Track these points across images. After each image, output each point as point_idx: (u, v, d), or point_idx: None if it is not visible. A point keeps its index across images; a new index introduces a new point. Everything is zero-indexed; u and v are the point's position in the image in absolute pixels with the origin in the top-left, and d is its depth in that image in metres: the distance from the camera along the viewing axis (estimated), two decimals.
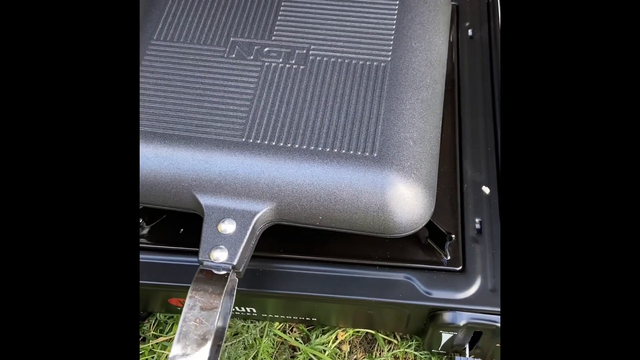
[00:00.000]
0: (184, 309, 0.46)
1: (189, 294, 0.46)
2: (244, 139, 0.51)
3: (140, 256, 0.57)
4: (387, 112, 0.52)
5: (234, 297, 0.49)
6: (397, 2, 0.59)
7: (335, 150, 0.50)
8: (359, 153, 0.50)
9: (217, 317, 0.45)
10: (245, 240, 0.49)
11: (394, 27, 0.57)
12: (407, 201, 0.49)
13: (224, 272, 0.48)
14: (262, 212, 0.50)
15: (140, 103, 0.54)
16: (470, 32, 0.68)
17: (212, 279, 0.48)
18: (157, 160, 0.51)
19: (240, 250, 0.49)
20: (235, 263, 0.48)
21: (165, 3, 0.61)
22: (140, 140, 0.52)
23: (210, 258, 0.48)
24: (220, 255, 0.48)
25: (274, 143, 0.51)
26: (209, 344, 0.44)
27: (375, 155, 0.50)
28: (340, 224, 0.50)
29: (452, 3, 0.70)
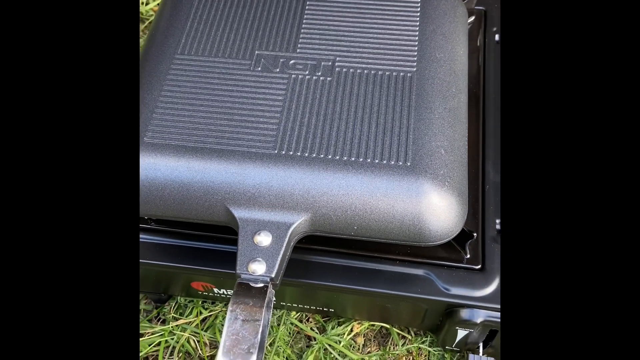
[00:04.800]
0: (226, 323, 0.45)
1: (230, 308, 0.46)
2: (276, 151, 0.51)
3: (164, 239, 0.60)
4: (417, 121, 0.52)
5: (272, 309, 0.49)
6: (418, 13, 0.60)
7: (369, 160, 0.51)
8: (393, 162, 0.50)
9: (260, 330, 0.45)
10: (282, 252, 0.49)
11: (417, 38, 0.58)
12: (443, 209, 0.49)
13: (262, 285, 0.48)
14: (297, 223, 0.50)
15: (169, 117, 0.54)
16: (497, 37, 0.69)
17: (252, 292, 0.47)
18: (189, 173, 0.51)
19: (278, 262, 0.49)
20: (273, 275, 0.48)
21: (187, 17, 0.61)
22: (172, 155, 0.52)
23: (248, 271, 0.48)
24: (258, 268, 0.48)
25: (306, 154, 0.51)
26: (254, 358, 0.44)
27: (409, 164, 0.50)
28: (375, 233, 0.50)
29: (480, 8, 0.71)
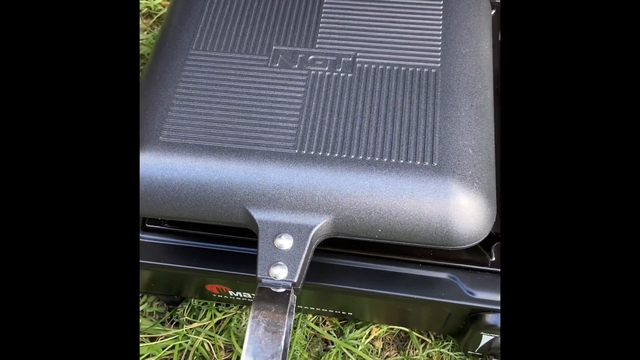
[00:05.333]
0: (248, 330, 0.44)
1: (251, 314, 0.44)
2: (296, 150, 0.50)
3: (177, 241, 0.58)
4: (442, 119, 0.50)
5: (294, 315, 0.47)
6: (442, 6, 0.58)
7: (393, 160, 0.49)
8: (418, 163, 0.48)
9: (283, 338, 0.43)
10: (304, 256, 0.47)
11: (441, 32, 0.56)
12: (471, 211, 0.47)
13: (283, 290, 0.47)
14: (319, 225, 0.48)
15: (185, 115, 0.52)
16: None
17: (274, 297, 0.46)
18: (207, 174, 0.49)
19: (300, 266, 0.47)
20: (295, 280, 0.46)
21: (202, 12, 0.59)
22: (188, 154, 0.50)
23: (269, 275, 0.46)
24: (279, 273, 0.46)
25: (328, 154, 0.49)
26: None
27: (435, 164, 0.48)
28: (400, 236, 0.49)
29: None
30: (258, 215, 0.49)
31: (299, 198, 0.48)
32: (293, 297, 0.47)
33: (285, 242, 0.48)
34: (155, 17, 0.92)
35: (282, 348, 0.43)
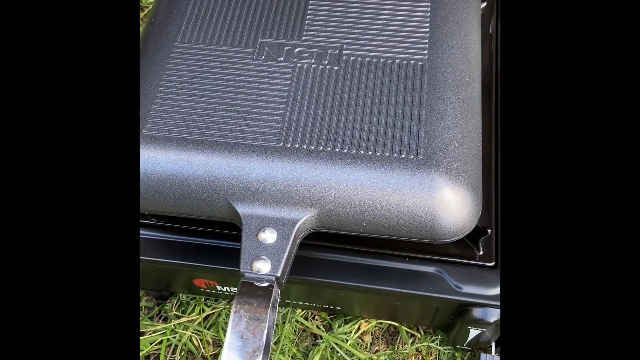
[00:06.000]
0: (230, 324, 0.43)
1: (233, 309, 0.44)
2: (281, 144, 0.49)
3: (165, 235, 0.57)
4: (428, 112, 0.50)
5: (277, 309, 0.47)
6: None
7: (378, 153, 0.48)
8: (403, 156, 0.48)
9: (265, 332, 0.43)
10: (287, 250, 0.47)
11: (428, 24, 0.55)
12: (456, 205, 0.47)
13: (267, 284, 0.46)
14: (304, 219, 0.48)
15: (169, 108, 0.51)
16: None
17: (257, 291, 0.45)
18: (190, 168, 0.49)
19: (284, 260, 0.46)
20: (279, 274, 0.46)
21: (187, 4, 0.58)
22: (172, 148, 0.49)
23: (252, 269, 0.46)
24: (262, 267, 0.46)
25: (312, 147, 0.49)
26: None
27: (420, 157, 0.48)
28: (385, 230, 0.48)
29: None
30: (242, 209, 0.48)
31: (283, 192, 0.48)
32: (276, 292, 0.46)
33: (269, 236, 0.47)
34: (147, 10, 0.92)
35: (265, 342, 0.43)
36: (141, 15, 0.91)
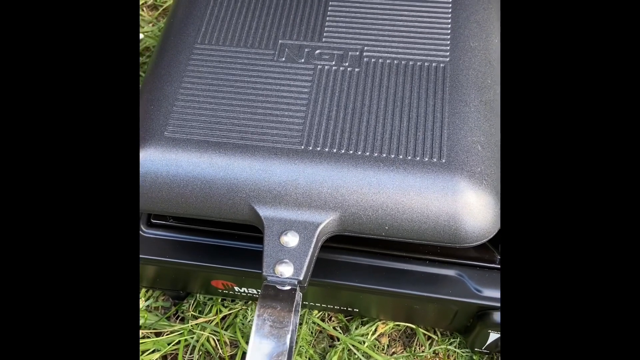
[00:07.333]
0: (254, 328, 0.43)
1: (257, 312, 0.44)
2: (302, 147, 0.49)
3: (183, 237, 0.57)
4: (451, 115, 0.50)
5: (299, 313, 0.47)
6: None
7: (401, 156, 0.48)
8: (427, 159, 0.48)
9: (289, 336, 0.43)
10: (309, 254, 0.47)
11: (450, 25, 0.55)
12: (480, 209, 0.47)
13: (289, 288, 0.46)
14: (325, 222, 0.48)
15: (191, 110, 0.51)
16: None
17: (279, 295, 0.45)
18: (212, 170, 0.49)
19: (306, 264, 0.46)
20: (301, 278, 0.46)
21: (207, 4, 0.58)
22: (194, 150, 0.49)
23: (275, 273, 0.46)
24: (285, 270, 0.46)
25: (335, 150, 0.49)
26: None
27: (443, 161, 0.47)
28: (407, 234, 0.48)
29: None
30: (264, 212, 0.48)
31: (305, 195, 0.48)
32: (299, 295, 0.46)
33: (291, 240, 0.47)
34: (161, 9, 0.91)
35: (288, 346, 0.43)
36: (155, 14, 0.91)
